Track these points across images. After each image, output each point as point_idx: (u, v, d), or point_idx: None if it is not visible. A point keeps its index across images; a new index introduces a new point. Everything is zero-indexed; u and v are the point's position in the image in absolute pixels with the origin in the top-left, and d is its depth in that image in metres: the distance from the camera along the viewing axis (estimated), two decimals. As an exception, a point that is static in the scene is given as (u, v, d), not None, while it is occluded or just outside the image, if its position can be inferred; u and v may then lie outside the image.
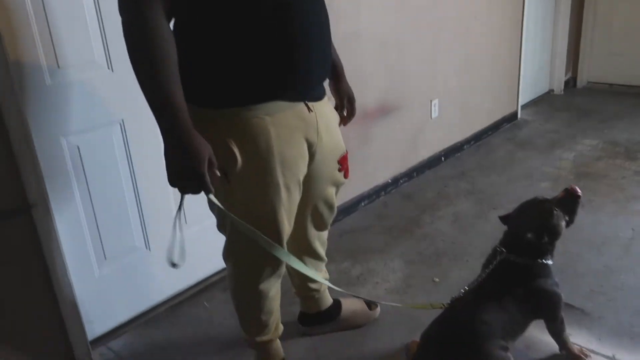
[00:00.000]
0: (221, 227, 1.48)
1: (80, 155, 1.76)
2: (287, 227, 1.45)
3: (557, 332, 1.66)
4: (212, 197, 1.26)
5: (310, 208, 1.61)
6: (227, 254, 1.52)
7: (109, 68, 1.79)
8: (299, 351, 1.82)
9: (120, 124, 1.85)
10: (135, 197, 1.93)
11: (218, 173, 1.25)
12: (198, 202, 2.08)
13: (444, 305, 1.59)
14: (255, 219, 1.39)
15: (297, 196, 1.46)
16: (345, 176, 1.63)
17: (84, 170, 1.78)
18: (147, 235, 2.00)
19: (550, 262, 1.61)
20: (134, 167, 1.90)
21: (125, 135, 1.86)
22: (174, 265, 1.31)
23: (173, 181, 1.23)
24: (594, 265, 2.20)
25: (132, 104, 1.84)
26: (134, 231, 1.96)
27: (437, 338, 1.57)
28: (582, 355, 1.69)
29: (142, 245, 2.00)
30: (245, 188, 1.36)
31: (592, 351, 1.73)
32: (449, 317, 1.58)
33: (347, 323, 1.92)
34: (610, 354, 1.72)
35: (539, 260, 1.58)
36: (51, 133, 1.69)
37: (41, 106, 1.65)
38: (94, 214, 1.83)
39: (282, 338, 1.69)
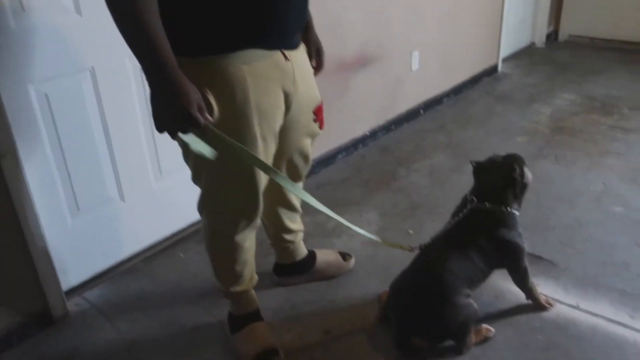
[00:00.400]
0: (196, 179, 1.46)
1: (49, 104, 1.71)
2: (263, 178, 1.45)
3: (521, 281, 1.71)
4: (212, 127, 1.23)
5: (286, 159, 1.61)
6: (202, 206, 1.52)
7: (77, 12, 1.72)
8: (273, 301, 1.85)
9: (90, 71, 1.79)
10: (108, 147, 1.90)
11: (210, 118, 1.24)
12: (172, 154, 2.06)
13: (412, 248, 1.62)
14: (231, 171, 1.39)
15: (273, 147, 1.45)
16: (321, 127, 1.62)
17: (53, 119, 1.73)
18: (121, 186, 1.97)
19: (516, 212, 1.64)
20: (106, 116, 1.86)
21: (96, 83, 1.81)
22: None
23: (161, 125, 1.20)
24: (565, 218, 2.24)
25: (102, 51, 1.79)
26: (107, 182, 1.94)
27: (406, 288, 1.61)
28: (547, 305, 1.75)
29: (116, 197, 1.98)
30: (222, 142, 1.34)
31: (558, 301, 1.79)
32: (418, 268, 1.62)
33: (321, 274, 1.94)
34: (574, 303, 1.78)
35: (506, 209, 1.61)
36: (17, 80, 1.63)
37: (5, 52, 1.58)
38: (65, 165, 1.80)
39: (257, 288, 1.71)
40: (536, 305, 1.75)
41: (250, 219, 1.51)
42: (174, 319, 1.81)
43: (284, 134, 1.49)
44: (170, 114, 1.19)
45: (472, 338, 1.60)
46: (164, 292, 1.94)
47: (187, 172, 1.48)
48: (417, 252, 1.64)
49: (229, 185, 1.42)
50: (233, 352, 1.63)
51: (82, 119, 1.81)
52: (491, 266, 1.62)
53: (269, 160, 1.46)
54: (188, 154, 1.40)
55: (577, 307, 1.76)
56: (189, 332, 1.75)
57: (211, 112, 1.28)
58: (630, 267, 1.93)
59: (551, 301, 1.77)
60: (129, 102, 1.92)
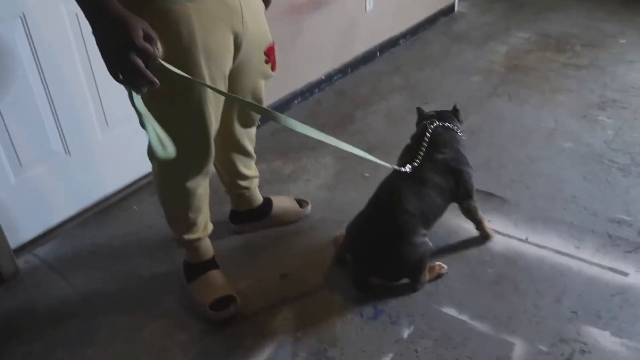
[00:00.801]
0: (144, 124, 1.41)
1: (-22, 55, 1.62)
2: (214, 122, 1.41)
3: (472, 210, 1.74)
4: (163, 63, 1.18)
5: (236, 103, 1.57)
6: (151, 151, 1.47)
7: (0, -46, 1.60)
8: (229, 249, 1.85)
9: (21, 18, 1.68)
10: (48, 98, 1.81)
11: (160, 49, 1.18)
12: (117, 104, 1.99)
13: (400, 168, 1.61)
14: (180, 114, 1.34)
15: (224, 85, 1.40)
16: (273, 69, 1.58)
17: (-16, 71, 1.64)
18: (65, 140, 1.90)
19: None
20: (42, 65, 1.76)
21: (28, 31, 1.70)
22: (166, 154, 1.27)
23: (113, 68, 1.13)
24: (517, 155, 2.28)
25: (31, -4, 1.68)
26: (50, 136, 1.86)
27: (363, 229, 1.62)
28: (493, 234, 1.81)
29: (61, 150, 1.91)
30: (168, 81, 1.29)
31: (508, 235, 1.84)
32: (374, 209, 1.62)
33: (277, 220, 1.94)
34: (524, 237, 1.83)
35: (460, 133, 1.72)
36: (-60, 29, 1.52)
37: None
38: (2, 119, 1.71)
39: (213, 237, 1.70)
40: (483, 234, 1.80)
41: (201, 165, 1.47)
42: (129, 271, 1.79)
43: (234, 77, 1.45)
44: (117, 51, 1.11)
45: (426, 275, 1.64)
46: (118, 245, 1.91)
47: (135, 122, 1.42)
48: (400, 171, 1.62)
49: (178, 128, 1.37)
50: (190, 301, 1.63)
51: (17, 69, 1.71)
52: (446, 199, 1.64)
53: (219, 104, 1.41)
54: (133, 99, 1.34)
55: (526, 241, 1.81)
56: (145, 283, 1.74)
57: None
58: (577, 200, 1.99)
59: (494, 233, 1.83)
60: (66, 50, 1.82)
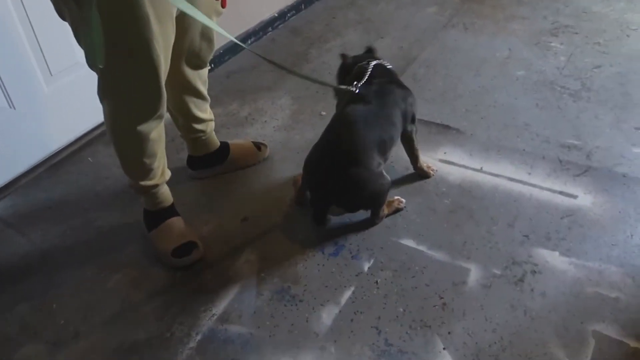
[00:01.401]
0: (92, 64, 1.36)
1: None
2: (162, 63, 1.36)
3: (413, 137, 1.74)
4: None
5: (187, 43, 1.53)
6: (101, 92, 1.42)
7: None
8: (188, 195, 1.84)
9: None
10: (-17, 51, 1.73)
11: None
12: (59, 53, 1.91)
13: (354, 88, 1.63)
14: (128, 56, 1.30)
15: (171, 31, 1.36)
16: (223, 5, 1.52)
17: None
18: (7, 93, 1.82)
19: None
20: (-27, 16, 1.67)
21: (-47, -22, 1.60)
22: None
23: None
24: (471, 86, 2.30)
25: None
26: (-9, 89, 1.78)
27: (320, 158, 1.60)
28: (430, 171, 1.83)
29: (5, 105, 1.83)
30: (112, 21, 1.24)
31: (464, 166, 1.87)
32: (330, 138, 1.61)
33: (235, 164, 1.93)
34: (478, 166, 1.87)
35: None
36: None
37: None
38: (-64, 74, 1.63)
39: (172, 184, 1.68)
40: (422, 174, 1.83)
41: (152, 108, 1.43)
42: (88, 224, 1.77)
43: (183, 15, 1.40)
44: None
45: (385, 209, 1.67)
46: (75, 198, 1.88)
47: (83, 71, 1.36)
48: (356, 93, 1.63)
49: (125, 65, 1.33)
50: (152, 250, 1.63)
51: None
52: (397, 126, 1.64)
53: (168, 44, 1.36)
54: (79, 34, 1.30)
55: (480, 170, 1.85)
56: (105, 235, 1.73)
57: None
58: (530, 127, 2.03)
59: (433, 167, 1.85)
60: (-1, -2, 1.72)
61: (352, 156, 1.54)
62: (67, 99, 2.01)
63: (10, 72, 1.81)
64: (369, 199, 1.62)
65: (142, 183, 1.59)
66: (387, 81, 1.67)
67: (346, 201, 1.63)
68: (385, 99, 1.63)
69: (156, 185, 1.62)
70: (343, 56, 1.83)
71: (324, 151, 1.61)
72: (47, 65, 1.91)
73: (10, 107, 1.85)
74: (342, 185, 1.57)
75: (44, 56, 1.89)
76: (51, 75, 1.93)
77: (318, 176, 1.62)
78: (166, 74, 1.41)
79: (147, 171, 1.57)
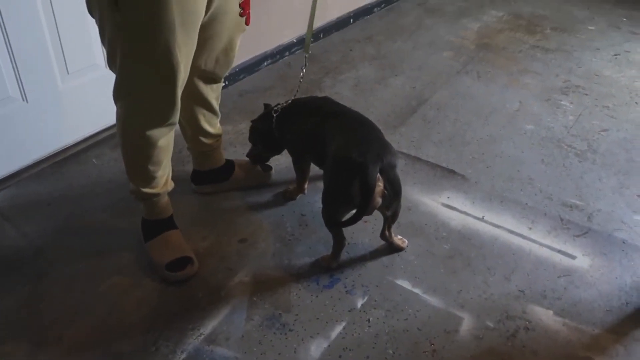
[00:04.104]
0: (111, 62, 1.36)
1: None
2: (182, 71, 1.37)
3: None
4: None
5: (206, 54, 1.55)
6: (116, 92, 1.42)
7: None
8: (189, 209, 1.83)
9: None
10: (5, 41, 1.73)
11: None
12: (79, 52, 1.92)
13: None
14: (149, 60, 1.31)
15: (194, 40, 1.37)
16: (247, 22, 1.56)
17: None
18: (22, 85, 1.83)
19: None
20: (0, 6, 1.68)
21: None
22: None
23: None
24: (480, 133, 2.32)
25: None
26: (6, 80, 1.78)
27: (373, 160, 1.46)
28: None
29: (18, 96, 1.84)
30: (136, 23, 1.25)
31: (465, 212, 1.88)
32: (368, 139, 1.56)
33: (239, 183, 1.93)
34: (480, 215, 1.88)
35: None
36: None
37: None
38: (-44, 59, 1.63)
39: (173, 196, 1.68)
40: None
41: (165, 115, 1.43)
42: (86, 225, 1.76)
43: (210, 27, 1.43)
44: None
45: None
46: (75, 198, 1.87)
47: (98, 72, 1.38)
48: None
49: (145, 68, 1.34)
50: (147, 259, 1.62)
51: (-28, 7, 1.63)
52: None
53: (189, 53, 1.38)
54: (104, 34, 1.31)
55: (482, 219, 1.86)
56: (101, 238, 1.72)
57: None
58: (534, 182, 2.05)
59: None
60: (27, -8, 1.74)
61: (393, 152, 1.52)
62: (80, 99, 2.01)
63: (28, 65, 1.81)
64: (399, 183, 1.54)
65: (144, 190, 1.58)
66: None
67: (395, 199, 1.55)
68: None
69: (157, 195, 1.61)
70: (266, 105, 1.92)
71: (370, 151, 1.47)
72: (65, 63, 1.92)
73: (23, 100, 1.85)
74: (397, 183, 1.51)
75: (63, 53, 1.90)
76: (68, 73, 1.94)
77: (371, 178, 1.44)
78: (184, 82, 1.42)
79: (150, 178, 1.57)
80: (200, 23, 1.37)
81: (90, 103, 2.02)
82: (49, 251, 1.66)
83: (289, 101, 1.80)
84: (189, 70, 1.42)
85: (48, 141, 1.99)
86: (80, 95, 2.00)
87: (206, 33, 1.46)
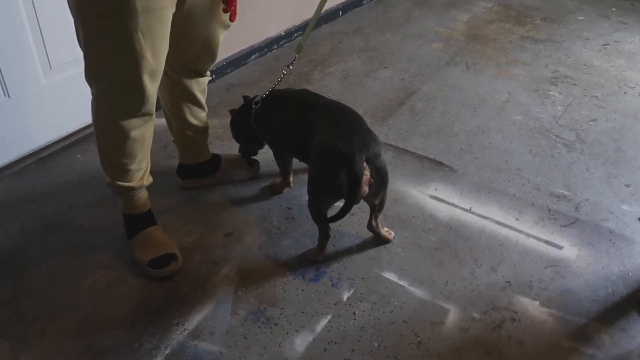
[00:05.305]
0: (78, 40, 1.33)
1: None
2: (150, 60, 1.31)
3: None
4: None
5: (184, 47, 1.52)
6: (86, 75, 1.38)
7: None
8: (174, 204, 1.82)
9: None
10: (-15, 36, 1.71)
11: None
12: (62, 46, 1.90)
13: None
14: (110, 41, 1.28)
15: (163, 29, 1.32)
16: (232, 18, 1.53)
17: None
18: (4, 81, 1.80)
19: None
20: (-21, 1, 1.66)
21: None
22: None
23: None
24: (468, 125, 2.31)
25: None
26: (-13, 76, 1.76)
27: (359, 149, 1.44)
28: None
29: (0, 92, 1.81)
30: (99, 3, 1.23)
31: (453, 204, 1.87)
32: (354, 129, 1.54)
33: (225, 178, 1.91)
34: (467, 206, 1.87)
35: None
36: None
37: None
38: None
39: (159, 191, 1.67)
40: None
41: (134, 105, 1.39)
42: (70, 221, 1.74)
43: (187, 20, 1.40)
44: None
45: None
46: (60, 194, 1.85)
47: (81, 68, 1.35)
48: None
49: (107, 50, 1.30)
50: (130, 256, 1.60)
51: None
52: None
53: (157, 44, 1.32)
54: (70, 9, 1.29)
55: (469, 211, 1.85)
56: (85, 234, 1.70)
57: None
58: (521, 172, 2.04)
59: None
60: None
61: (377, 140, 1.50)
62: (63, 94, 1.99)
63: (10, 61, 1.79)
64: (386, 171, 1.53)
65: (119, 183, 1.56)
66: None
67: (382, 187, 1.54)
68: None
69: (133, 188, 1.58)
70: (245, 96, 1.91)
71: (356, 141, 1.45)
72: (48, 58, 1.90)
73: (5, 95, 1.83)
74: (384, 170, 1.50)
75: (45, 48, 1.88)
76: (50, 68, 1.92)
77: (358, 167, 1.42)
78: (156, 73, 1.38)
79: (124, 171, 1.53)
80: (169, 12, 1.32)
81: (74, 98, 2.00)
82: (32, 248, 1.64)
83: (266, 93, 1.76)
84: (162, 61, 1.38)
85: (32, 137, 1.97)
86: (63, 91, 1.98)
87: (184, 27, 1.43)
